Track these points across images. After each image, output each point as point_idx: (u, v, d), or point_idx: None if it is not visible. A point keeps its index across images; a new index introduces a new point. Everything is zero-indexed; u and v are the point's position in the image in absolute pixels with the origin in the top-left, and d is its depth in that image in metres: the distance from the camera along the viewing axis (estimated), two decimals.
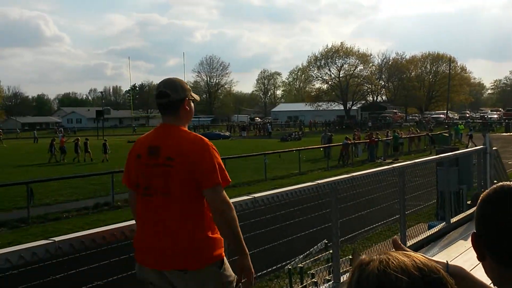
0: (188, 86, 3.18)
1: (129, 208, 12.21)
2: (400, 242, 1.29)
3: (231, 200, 3.08)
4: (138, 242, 3.06)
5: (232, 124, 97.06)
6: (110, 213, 15.76)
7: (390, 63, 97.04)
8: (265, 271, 7.77)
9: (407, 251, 1.11)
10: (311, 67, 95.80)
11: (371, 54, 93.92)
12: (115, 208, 16.47)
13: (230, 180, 3.01)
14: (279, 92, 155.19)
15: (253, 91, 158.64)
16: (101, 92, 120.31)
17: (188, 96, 3.10)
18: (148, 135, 3.19)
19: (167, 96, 3.04)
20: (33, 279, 7.53)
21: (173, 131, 3.02)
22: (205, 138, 3.05)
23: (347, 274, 5.31)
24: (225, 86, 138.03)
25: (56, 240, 3.04)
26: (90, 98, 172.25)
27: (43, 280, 7.48)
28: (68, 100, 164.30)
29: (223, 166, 3.01)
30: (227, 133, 72.16)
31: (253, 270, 3.04)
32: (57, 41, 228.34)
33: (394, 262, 1.01)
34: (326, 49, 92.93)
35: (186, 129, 3.09)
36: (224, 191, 2.92)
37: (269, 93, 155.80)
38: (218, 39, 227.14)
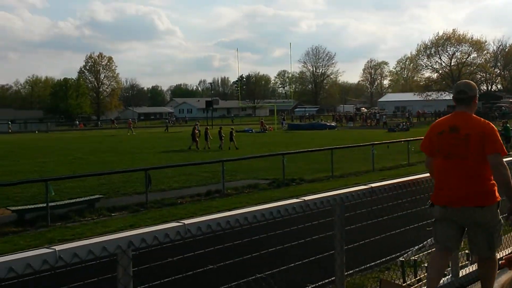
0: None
1: (238, 196, 12.72)
2: None
3: (345, 190, 3.99)
4: (442, 190, 4.39)
5: (338, 114, 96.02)
6: (222, 200, 16.27)
7: (506, 50, 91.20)
8: (377, 262, 7.72)
9: None
10: (420, 55, 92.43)
11: (485, 41, 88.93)
12: (226, 196, 16.97)
13: (506, 152, 4.36)
14: (386, 82, 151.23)
15: (359, 81, 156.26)
16: (210, 83, 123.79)
17: (476, 94, 4.49)
18: (446, 119, 4.58)
19: (466, 93, 4.43)
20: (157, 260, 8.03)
21: (467, 117, 4.39)
22: (489, 122, 4.39)
23: (466, 269, 5.17)
24: (331, 76, 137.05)
25: (186, 223, 3.26)
26: (200, 89, 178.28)
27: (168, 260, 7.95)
28: (179, 91, 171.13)
29: (501, 142, 4.34)
30: (333, 123, 71.60)
31: None
32: (170, 35, 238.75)
33: None
34: (436, 37, 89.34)
35: (474, 115, 4.43)
36: (501, 157, 4.24)
37: (376, 83, 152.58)
38: (323, 29, 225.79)
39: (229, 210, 3.84)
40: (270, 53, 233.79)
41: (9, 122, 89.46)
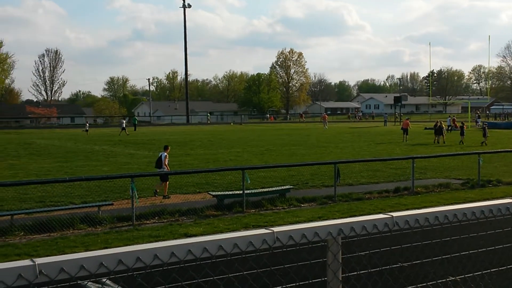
0: None
1: (428, 195, 12.31)
2: None
3: None
4: None
5: None
6: (411, 198, 15.86)
7: None
8: None
9: None
10: None
11: None
12: (415, 194, 16.52)
13: None
14: None
15: None
16: (399, 79, 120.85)
17: None
18: None
19: None
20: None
21: None
22: None
23: None
24: None
25: (394, 215, 3.30)
26: (387, 84, 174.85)
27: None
28: (366, 87, 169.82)
29: None
30: None
31: None
32: (359, 30, 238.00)
33: None
34: None
35: None
36: None
37: None
38: None
39: (419, 208, 3.75)
40: (464, 47, 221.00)
41: (208, 114, 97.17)
